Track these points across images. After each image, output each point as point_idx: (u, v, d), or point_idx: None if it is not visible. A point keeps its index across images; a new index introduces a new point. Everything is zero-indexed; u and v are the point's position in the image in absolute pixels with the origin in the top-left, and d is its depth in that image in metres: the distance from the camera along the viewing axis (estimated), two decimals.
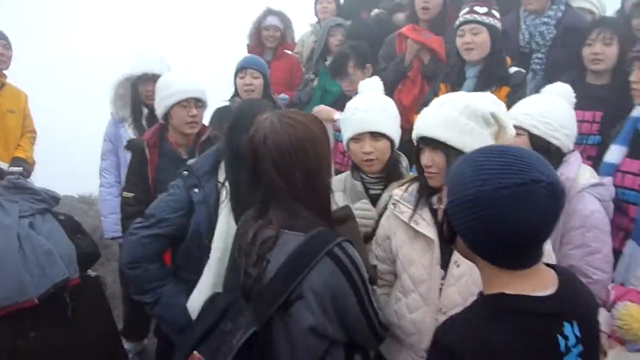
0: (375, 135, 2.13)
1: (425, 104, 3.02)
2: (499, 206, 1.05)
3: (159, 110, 2.74)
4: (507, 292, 1.11)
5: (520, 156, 1.08)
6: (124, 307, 3.51)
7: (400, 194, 1.93)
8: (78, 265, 2.26)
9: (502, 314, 1.09)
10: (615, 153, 2.46)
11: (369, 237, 2.07)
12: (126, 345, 3.39)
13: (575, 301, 1.14)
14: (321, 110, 3.19)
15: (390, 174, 2.20)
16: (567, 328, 1.10)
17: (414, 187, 1.91)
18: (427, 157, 1.78)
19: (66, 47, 11.18)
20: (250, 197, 1.60)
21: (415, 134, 1.80)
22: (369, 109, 2.14)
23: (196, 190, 2.03)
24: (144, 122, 3.31)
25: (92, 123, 4.47)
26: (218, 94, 3.58)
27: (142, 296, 2.04)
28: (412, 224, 1.82)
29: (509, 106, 2.73)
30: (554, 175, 1.08)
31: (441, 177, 1.75)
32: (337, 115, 3.02)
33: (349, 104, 2.22)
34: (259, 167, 1.50)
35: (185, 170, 2.08)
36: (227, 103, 3.48)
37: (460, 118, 1.65)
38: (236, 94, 3.42)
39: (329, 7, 4.56)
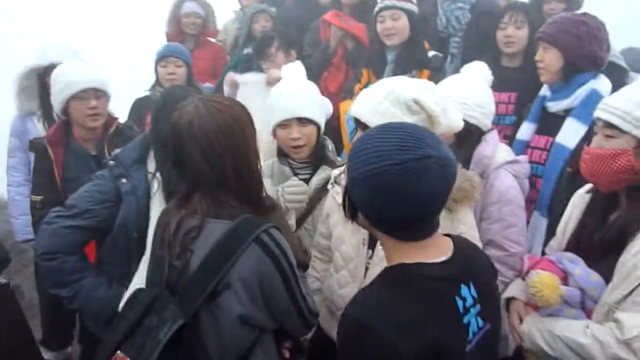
0: (303, 121, 2.14)
1: (349, 90, 3.23)
2: (395, 182, 1.10)
3: (56, 106, 2.59)
4: (406, 261, 1.18)
5: (414, 133, 1.14)
6: (43, 314, 3.32)
7: (337, 173, 1.96)
8: None
9: (402, 282, 1.16)
10: (525, 130, 2.60)
11: (304, 215, 2.11)
12: (47, 355, 3.22)
13: (470, 264, 1.23)
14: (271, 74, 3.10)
15: (317, 159, 2.23)
16: (464, 290, 1.18)
17: None
18: (357, 137, 1.82)
19: None
20: (181, 186, 1.55)
21: (351, 114, 1.81)
22: (295, 94, 2.15)
23: (124, 180, 1.96)
24: (53, 114, 3.09)
25: None
26: (137, 84, 3.46)
27: (59, 289, 1.95)
28: None
29: None
30: (445, 150, 1.15)
31: None
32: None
33: (274, 90, 2.22)
34: (184, 154, 1.46)
35: (112, 160, 2.01)
36: (148, 93, 3.38)
37: (384, 102, 1.66)
38: (157, 83, 3.33)
39: None
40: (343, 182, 1.26)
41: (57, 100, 2.57)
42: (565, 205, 1.93)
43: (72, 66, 2.61)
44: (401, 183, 1.10)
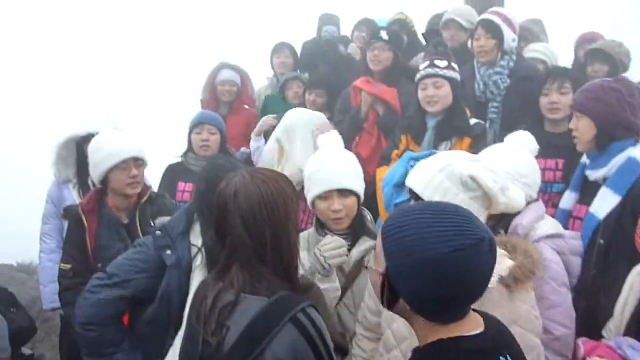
0: (344, 192, 2.12)
1: (386, 156, 3.19)
2: (450, 269, 1.08)
3: (95, 176, 2.64)
4: (444, 337, 1.16)
5: (464, 215, 1.13)
6: None
7: None
8: (11, 341, 2.08)
9: (446, 358, 1.14)
10: (567, 199, 2.53)
11: (343, 289, 2.05)
12: None
13: (502, 336, 1.22)
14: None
15: (357, 229, 2.19)
16: None
17: None
18: None
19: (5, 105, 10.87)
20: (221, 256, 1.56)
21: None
22: (335, 165, 2.13)
23: (168, 252, 1.96)
24: (89, 182, 3.16)
25: (34, 184, 4.27)
26: (168, 150, 3.52)
27: (93, 359, 1.97)
28: None
29: None
30: (490, 231, 1.14)
31: None
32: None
33: (313, 160, 2.21)
34: (226, 223, 1.48)
35: (159, 230, 2.02)
36: (179, 159, 3.43)
37: (439, 175, 1.69)
38: (190, 149, 3.38)
39: (286, 61, 4.61)
40: (371, 264, 1.23)
41: (97, 170, 2.62)
42: (595, 280, 1.87)
43: (112, 136, 2.67)
44: (457, 270, 1.08)
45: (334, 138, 2.31)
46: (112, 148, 2.59)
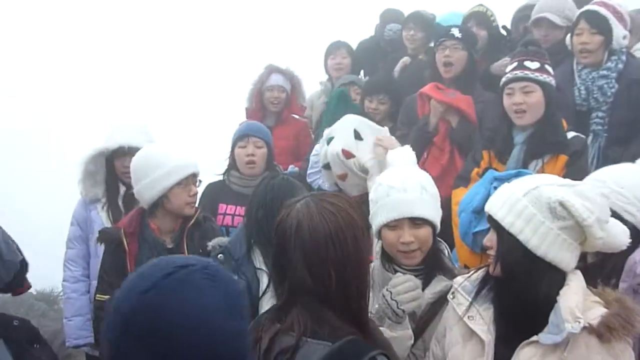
0: (416, 222, 2.09)
1: (464, 175, 3.14)
2: None
3: (150, 194, 2.70)
4: None
5: None
6: None
7: (461, 281, 1.93)
8: None
9: None
10: None
11: (415, 337, 2.02)
12: None
13: None
14: (383, 140, 2.99)
15: (431, 266, 2.14)
16: None
17: (480, 273, 1.91)
18: (488, 237, 1.82)
19: (25, 117, 11.30)
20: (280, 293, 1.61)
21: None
22: (407, 189, 2.10)
23: (235, 277, 2.02)
24: (120, 202, 3.27)
25: (56, 204, 4.43)
26: (209, 167, 3.57)
27: None
28: (466, 320, 1.83)
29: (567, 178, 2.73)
30: None
31: (495, 265, 1.77)
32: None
33: (380, 181, 2.18)
34: (286, 259, 1.51)
35: (220, 253, 2.11)
36: (221, 177, 3.47)
37: (522, 200, 1.70)
38: (233, 166, 3.42)
39: (343, 62, 4.62)
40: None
41: (155, 188, 2.67)
42: None
43: (171, 150, 2.75)
44: None
45: (406, 155, 2.27)
46: (174, 162, 2.67)
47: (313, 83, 4.86)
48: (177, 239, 2.73)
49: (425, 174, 2.24)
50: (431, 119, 3.47)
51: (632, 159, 2.52)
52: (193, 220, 2.76)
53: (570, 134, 2.90)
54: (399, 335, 1.94)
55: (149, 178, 2.68)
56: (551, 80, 2.91)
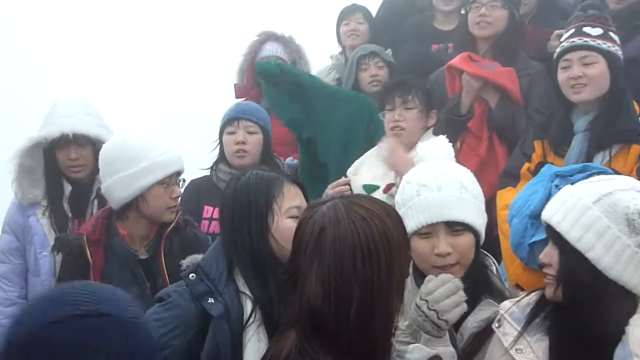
0: (455, 227, 2.06)
1: (512, 171, 3.13)
2: None
3: (123, 193, 2.65)
4: None
5: None
6: None
7: (508, 306, 1.94)
8: None
9: None
10: None
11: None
12: None
13: None
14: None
15: (475, 285, 2.09)
16: None
17: (532, 297, 1.92)
18: (545, 252, 1.82)
19: None
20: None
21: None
22: (442, 187, 2.07)
23: (211, 300, 2.01)
24: (65, 205, 3.21)
25: None
26: (193, 160, 3.48)
27: None
28: (513, 353, 1.84)
29: None
30: None
31: (554, 288, 1.78)
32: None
33: (408, 178, 2.16)
34: (299, 271, 1.51)
35: (193, 272, 2.07)
36: (207, 173, 3.47)
37: (593, 209, 1.71)
38: (222, 158, 3.40)
39: (359, 29, 4.55)
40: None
41: (132, 185, 2.63)
42: None
43: (150, 140, 2.72)
44: None
45: (441, 148, 2.21)
46: (156, 157, 2.65)
47: (322, 57, 4.81)
48: (152, 249, 2.71)
49: (465, 171, 2.21)
50: (464, 99, 3.45)
51: None
52: (172, 225, 2.73)
53: None
54: (441, 353, 1.90)
55: (123, 173, 2.63)
56: (617, 50, 2.89)
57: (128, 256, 2.67)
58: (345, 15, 4.62)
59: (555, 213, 1.77)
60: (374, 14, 4.73)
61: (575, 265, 1.69)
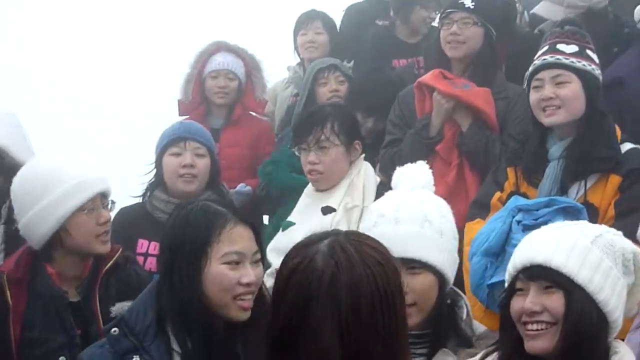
0: (411, 265, 2.05)
1: (482, 201, 3.14)
2: None
3: (41, 230, 2.61)
4: None
5: None
6: None
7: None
8: None
9: None
10: None
11: None
12: None
13: None
14: None
15: (439, 331, 2.11)
16: None
17: (494, 357, 1.89)
18: (533, 300, 1.78)
19: None
20: None
21: (516, 262, 1.83)
22: (401, 220, 2.09)
23: (136, 358, 1.97)
24: None
25: None
26: (123, 187, 3.48)
27: None
28: None
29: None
30: None
31: (553, 336, 1.76)
32: None
33: (372, 207, 2.21)
34: (305, 325, 1.42)
35: (115, 327, 2.02)
36: (139, 201, 3.43)
37: (594, 250, 1.76)
38: (160, 183, 3.36)
39: (318, 39, 4.61)
40: None
41: (48, 218, 2.58)
42: None
43: (67, 162, 2.69)
44: None
45: (418, 173, 2.30)
46: (72, 179, 2.59)
47: (278, 69, 4.87)
48: (86, 290, 2.65)
49: (436, 202, 2.23)
50: (433, 120, 3.48)
51: None
52: (111, 262, 2.68)
53: (626, 146, 2.91)
54: None
55: (37, 206, 2.59)
56: (594, 69, 2.92)
57: (55, 298, 2.60)
58: (303, 24, 4.67)
59: (553, 254, 1.76)
60: (337, 20, 4.79)
61: (585, 309, 1.72)
